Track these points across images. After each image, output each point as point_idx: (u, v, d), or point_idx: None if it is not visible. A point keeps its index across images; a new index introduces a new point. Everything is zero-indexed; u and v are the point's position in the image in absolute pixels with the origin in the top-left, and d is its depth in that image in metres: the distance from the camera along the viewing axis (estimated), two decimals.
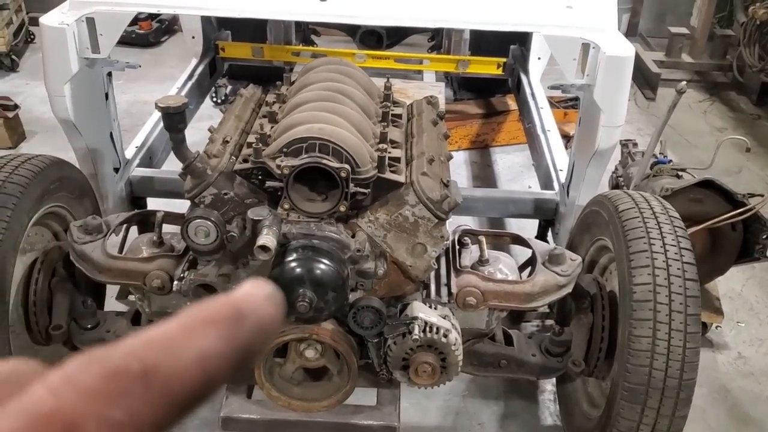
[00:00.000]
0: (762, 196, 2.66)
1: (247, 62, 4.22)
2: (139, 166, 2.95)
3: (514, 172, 4.23)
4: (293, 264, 1.67)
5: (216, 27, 4.24)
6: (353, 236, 1.79)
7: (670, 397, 1.81)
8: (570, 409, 2.31)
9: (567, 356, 2.19)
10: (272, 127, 1.94)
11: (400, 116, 2.15)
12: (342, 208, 1.74)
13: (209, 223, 1.68)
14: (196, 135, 4.02)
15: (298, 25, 4.64)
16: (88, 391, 0.30)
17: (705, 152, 4.37)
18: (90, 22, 2.25)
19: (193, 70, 3.85)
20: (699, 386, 2.67)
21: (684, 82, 2.41)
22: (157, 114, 3.28)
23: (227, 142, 1.92)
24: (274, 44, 4.16)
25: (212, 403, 2.51)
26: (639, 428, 1.84)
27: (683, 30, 5.84)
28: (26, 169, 2.04)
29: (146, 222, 2.27)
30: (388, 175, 1.79)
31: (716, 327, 3.00)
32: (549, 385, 2.68)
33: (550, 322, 2.45)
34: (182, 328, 0.33)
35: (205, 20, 4.02)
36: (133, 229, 2.33)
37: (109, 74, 2.59)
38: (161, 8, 2.53)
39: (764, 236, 2.66)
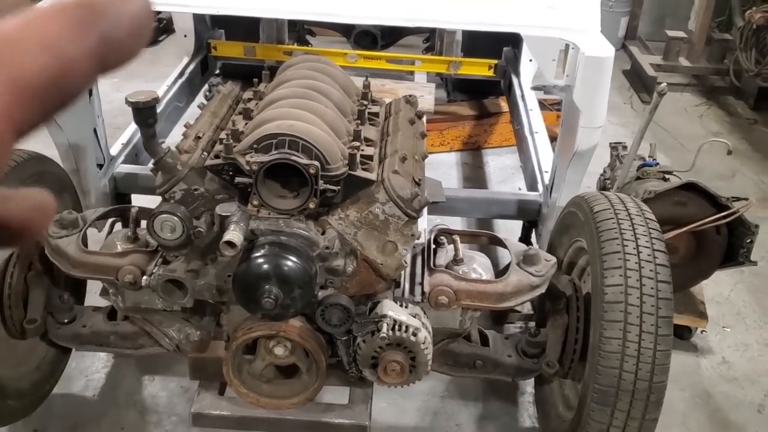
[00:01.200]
0: (746, 199, 2.65)
1: (240, 61, 4.22)
2: (124, 162, 2.96)
3: (505, 174, 4.22)
4: (259, 260, 1.66)
5: (209, 26, 4.25)
6: (323, 233, 1.78)
7: (640, 399, 1.79)
8: (546, 411, 2.30)
9: (542, 357, 2.18)
10: (245, 124, 1.94)
11: (377, 115, 2.15)
12: (311, 205, 1.73)
13: (175, 218, 1.68)
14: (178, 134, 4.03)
15: (293, 24, 4.64)
16: None
17: (699, 157, 4.35)
18: None
19: (184, 69, 3.85)
20: (681, 390, 2.68)
21: (664, 84, 2.39)
22: None
23: (199, 138, 1.92)
24: (266, 43, 4.16)
25: (190, 400, 2.51)
26: (609, 431, 1.83)
27: (681, 34, 5.82)
28: None
29: (127, 218, 2.26)
30: (359, 172, 1.78)
31: (701, 331, 2.98)
32: (528, 387, 2.66)
33: (533, 324, 2.44)
34: (23, 21, 0.32)
35: (198, 19, 4.02)
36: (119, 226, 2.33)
37: None
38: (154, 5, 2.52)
39: (748, 240, 2.64)
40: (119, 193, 2.90)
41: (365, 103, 2.14)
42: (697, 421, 2.59)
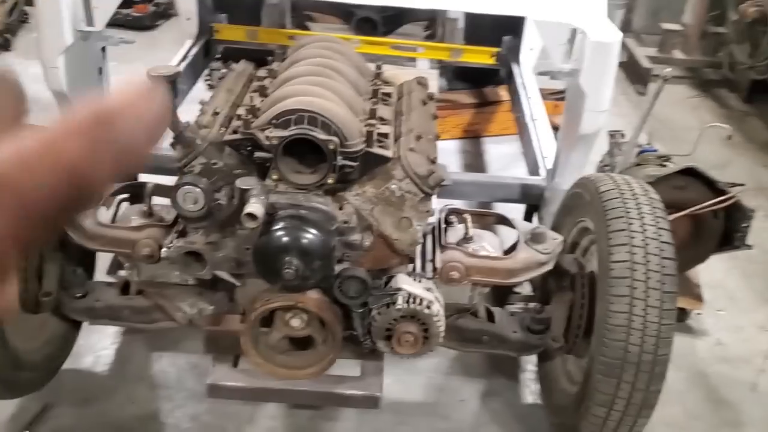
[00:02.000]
0: (743, 185, 2.72)
1: (242, 45, 4.25)
2: None
3: (504, 162, 4.27)
4: (280, 232, 1.71)
5: (212, 9, 4.27)
6: (341, 209, 1.83)
7: (645, 371, 1.86)
8: (549, 386, 2.36)
9: (547, 334, 2.24)
10: (262, 101, 1.98)
11: (390, 95, 2.19)
12: (330, 181, 1.78)
13: (197, 190, 1.72)
14: (188, 116, 4.06)
15: (294, 9, 4.67)
16: None
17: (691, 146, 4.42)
18: None
19: (187, 52, 3.87)
20: (677, 370, 2.74)
21: (669, 69, 2.46)
22: None
23: (217, 113, 1.96)
24: (268, 27, 4.19)
25: (200, 376, 2.56)
26: (614, 401, 1.89)
27: (676, 27, 5.89)
28: None
29: (137, 195, 2.30)
30: (376, 149, 1.83)
31: (696, 314, 3.06)
32: (529, 365, 2.73)
33: (533, 304, 2.49)
34: (41, 143, 0.33)
35: (201, 2, 4.05)
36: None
37: (103, 49, 2.63)
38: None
39: (744, 225, 2.72)
40: None
41: (378, 83, 2.19)
42: (694, 399, 2.66)
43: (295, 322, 1.91)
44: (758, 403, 2.67)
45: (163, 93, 0.37)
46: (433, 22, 4.99)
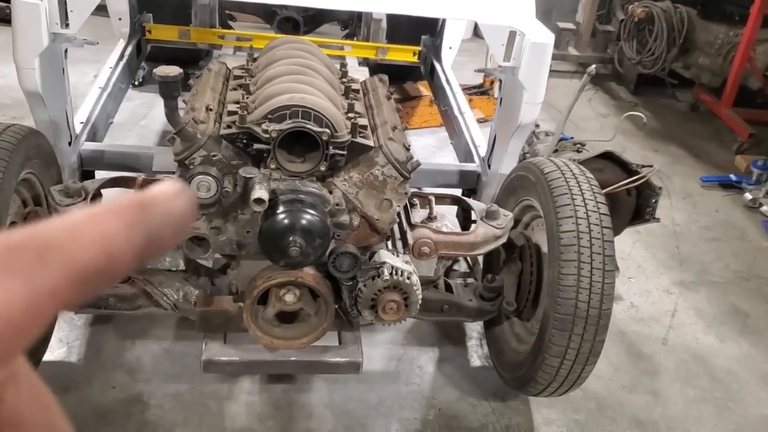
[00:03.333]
0: (652, 166, 3.13)
1: (169, 44, 4.33)
2: (86, 140, 3.06)
3: (428, 153, 4.58)
4: (284, 215, 1.91)
5: (137, 9, 4.32)
6: (330, 193, 2.05)
7: (592, 324, 2.18)
8: (500, 348, 2.66)
9: (499, 300, 2.55)
10: (248, 98, 2.17)
11: (357, 91, 2.43)
12: (322, 168, 2.00)
13: (210, 178, 1.90)
14: (120, 116, 4.13)
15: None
16: None
17: (591, 134, 4.90)
18: None
19: (123, 51, 3.94)
20: None
21: (594, 66, 2.82)
22: (96, 92, 3.40)
23: (210, 110, 2.13)
24: (199, 27, 4.30)
25: (175, 360, 2.70)
26: (567, 351, 2.21)
27: (570, 25, 6.41)
28: (10, 136, 2.16)
29: (126, 187, 2.42)
30: (359, 139, 2.06)
31: None
32: (475, 333, 3.04)
33: (471, 279, 2.78)
34: (86, 215, 0.36)
35: (129, 1, 4.11)
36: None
37: (66, 50, 2.71)
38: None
39: (654, 200, 3.13)
40: (84, 170, 3.01)
41: (346, 80, 2.42)
42: (617, 354, 3.05)
43: (289, 297, 2.11)
44: (669, 354, 3.10)
45: (191, 196, 0.41)
46: (349, 23, 5.24)
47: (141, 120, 4.61)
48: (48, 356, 2.63)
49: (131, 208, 0.37)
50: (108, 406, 2.53)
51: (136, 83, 4.95)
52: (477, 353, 2.97)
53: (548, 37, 2.56)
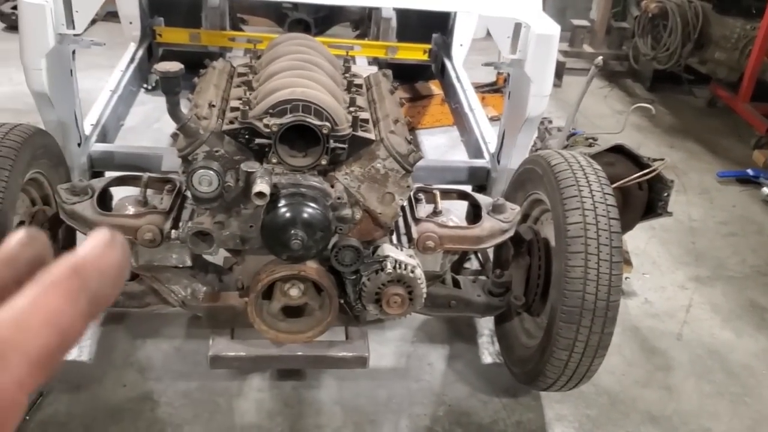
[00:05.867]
0: (663, 159, 3.08)
1: (180, 48, 4.36)
2: (96, 142, 3.09)
3: (440, 152, 4.57)
4: (286, 208, 1.91)
5: (148, 13, 4.36)
6: (332, 187, 2.05)
7: (600, 316, 2.16)
8: (510, 343, 2.64)
9: (507, 295, 2.52)
10: (251, 94, 2.17)
11: (360, 86, 2.42)
12: (323, 162, 2.00)
13: (212, 172, 1.90)
14: (133, 119, 4.16)
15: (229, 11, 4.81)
16: None
17: (608, 131, 4.85)
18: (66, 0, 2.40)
19: (134, 55, 3.97)
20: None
21: (600, 57, 2.79)
22: (107, 94, 3.43)
23: (213, 106, 2.13)
24: (210, 30, 4.33)
25: (184, 358, 2.71)
26: (575, 344, 2.18)
27: (584, 23, 6.36)
28: (16, 135, 2.19)
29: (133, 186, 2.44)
30: (360, 133, 2.06)
31: (626, 278, 3.42)
32: (486, 330, 3.01)
33: (482, 277, 2.77)
34: (28, 300, 0.37)
35: (141, 6, 4.15)
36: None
37: (74, 52, 2.74)
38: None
39: (666, 194, 3.08)
40: (94, 171, 3.03)
41: (349, 75, 2.41)
42: (630, 349, 3.01)
43: (294, 292, 2.11)
44: (683, 349, 3.05)
45: (123, 243, 0.42)
46: (360, 23, 5.24)
47: (154, 123, 4.64)
48: None
49: (67, 279, 0.38)
50: (119, 404, 2.54)
51: (149, 87, 4.99)
52: (488, 350, 2.94)
53: (554, 29, 2.54)
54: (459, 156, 4.14)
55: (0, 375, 0.35)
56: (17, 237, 0.42)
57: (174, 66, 1.91)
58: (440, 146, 4.66)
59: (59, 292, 0.37)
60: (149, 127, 4.60)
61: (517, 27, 2.56)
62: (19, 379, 0.35)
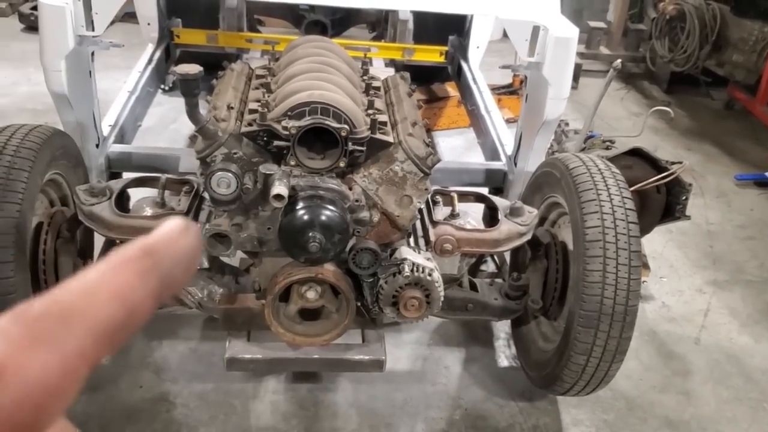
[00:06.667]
0: (681, 163, 3.06)
1: (197, 48, 4.37)
2: (114, 143, 3.11)
3: (456, 153, 4.56)
4: (304, 210, 1.91)
5: (166, 15, 4.38)
6: (350, 189, 2.04)
7: (618, 321, 2.14)
8: (527, 347, 2.63)
9: (524, 299, 2.51)
10: (269, 96, 2.17)
11: (378, 88, 2.42)
12: (341, 164, 1.99)
13: (230, 174, 1.90)
14: (150, 120, 4.18)
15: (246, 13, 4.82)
16: (12, 338, 0.33)
17: (625, 133, 4.82)
18: (86, 1, 2.41)
19: (152, 56, 3.99)
20: None
21: (619, 60, 2.77)
22: (125, 95, 3.45)
23: (232, 108, 2.14)
24: (227, 31, 4.34)
25: (200, 359, 2.72)
26: (593, 349, 2.17)
27: (601, 24, 6.33)
28: (36, 136, 2.20)
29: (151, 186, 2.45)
30: (379, 135, 2.05)
31: (643, 281, 3.39)
32: (502, 333, 3.00)
33: (498, 280, 2.75)
34: (98, 274, 0.37)
35: (159, 8, 4.17)
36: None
37: (93, 53, 2.75)
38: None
39: (684, 198, 3.06)
40: (112, 172, 3.05)
41: (367, 78, 2.41)
42: (648, 354, 2.99)
43: (311, 294, 2.10)
44: (702, 354, 3.02)
45: (197, 232, 0.42)
46: (377, 25, 5.24)
47: (171, 124, 4.66)
48: None
49: (140, 257, 0.38)
50: (135, 405, 2.55)
51: (167, 88, 5.01)
52: (504, 353, 2.93)
53: (572, 32, 2.52)
54: (475, 158, 4.12)
55: (64, 341, 0.34)
56: (174, 225, 0.42)
57: (193, 68, 1.91)
58: (456, 148, 4.65)
59: (131, 268, 0.38)
60: (166, 127, 4.62)
61: (535, 30, 2.54)
62: (82, 349, 0.34)
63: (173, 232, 0.41)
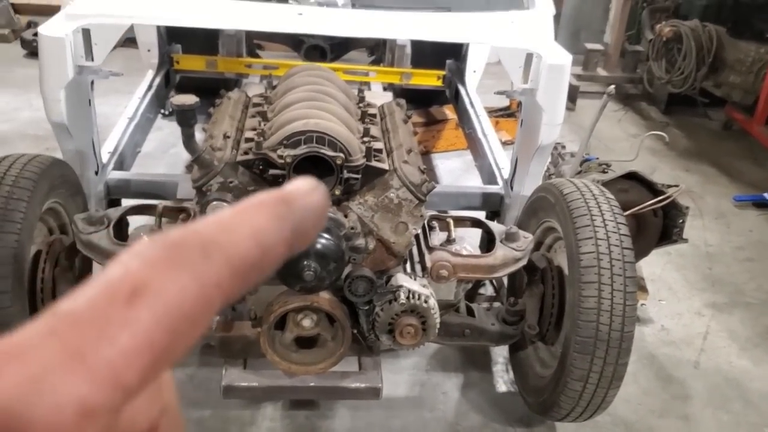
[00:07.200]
0: (678, 186, 3.07)
1: (197, 74, 4.41)
2: (113, 170, 3.13)
3: (454, 176, 4.58)
4: None
5: (166, 41, 4.42)
6: (345, 216, 2.06)
7: (614, 347, 2.14)
8: (524, 372, 2.63)
9: (521, 324, 2.51)
10: (265, 125, 2.20)
11: (374, 116, 2.44)
12: (337, 192, 2.01)
13: (225, 204, 1.92)
14: (150, 145, 4.21)
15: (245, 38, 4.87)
16: (152, 259, 0.33)
17: (622, 155, 4.84)
18: (86, 32, 2.44)
19: (151, 82, 4.02)
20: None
21: (612, 86, 2.79)
22: (124, 122, 3.48)
23: (228, 137, 2.16)
24: (226, 57, 4.38)
25: (198, 385, 2.72)
26: (589, 375, 2.17)
27: (598, 46, 6.38)
28: (34, 166, 2.22)
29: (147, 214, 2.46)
30: (374, 163, 2.07)
31: (641, 304, 3.39)
32: (500, 358, 3.00)
33: (497, 304, 2.76)
34: (235, 212, 0.37)
35: (158, 33, 4.21)
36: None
37: (92, 82, 2.78)
38: (155, 21, 2.73)
39: (680, 221, 3.07)
40: (111, 199, 3.06)
41: (363, 105, 2.43)
42: (646, 378, 2.98)
43: (306, 322, 2.11)
44: (701, 378, 3.02)
45: (325, 192, 0.42)
46: (376, 49, 5.28)
47: (171, 149, 4.69)
48: None
49: (276, 203, 0.38)
50: None
51: (166, 113, 5.04)
52: (502, 379, 2.93)
53: (565, 59, 2.54)
54: (473, 180, 4.14)
55: (202, 269, 0.34)
56: (306, 181, 0.42)
57: (189, 99, 1.93)
58: (454, 170, 4.67)
59: (267, 212, 0.38)
60: (165, 152, 4.65)
61: (529, 57, 2.57)
62: (219, 279, 0.34)
63: (305, 187, 0.41)
